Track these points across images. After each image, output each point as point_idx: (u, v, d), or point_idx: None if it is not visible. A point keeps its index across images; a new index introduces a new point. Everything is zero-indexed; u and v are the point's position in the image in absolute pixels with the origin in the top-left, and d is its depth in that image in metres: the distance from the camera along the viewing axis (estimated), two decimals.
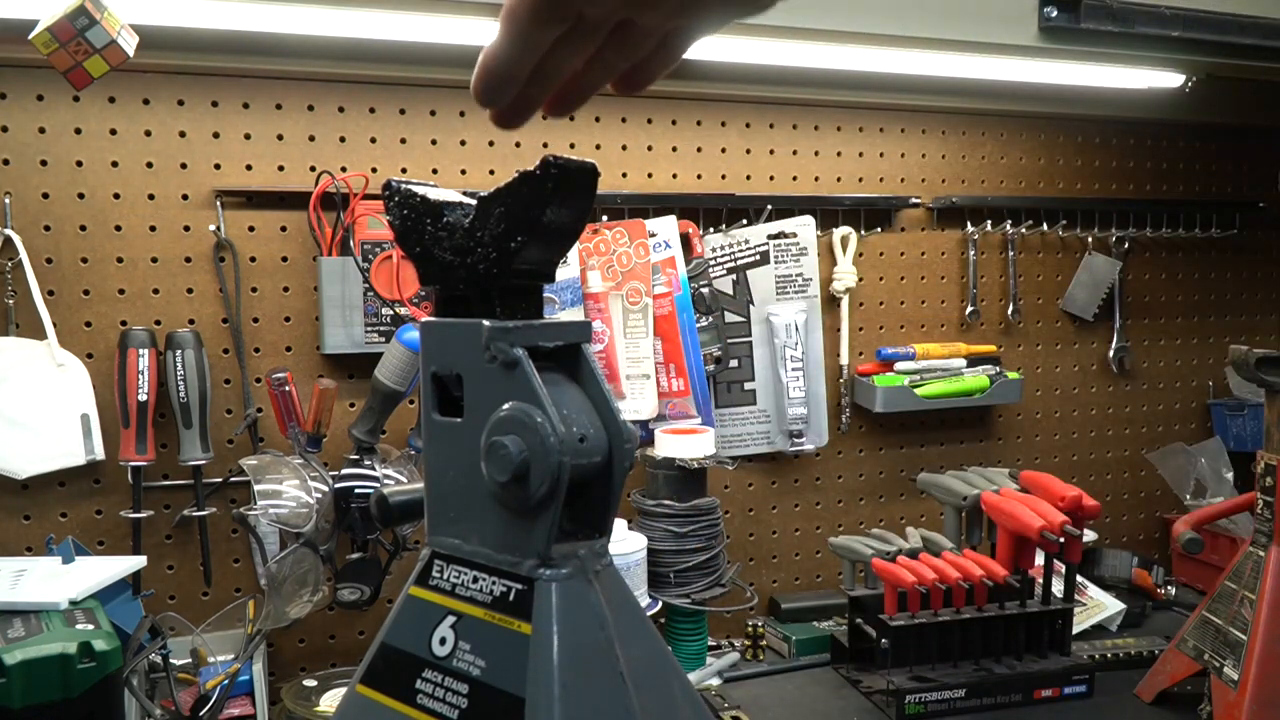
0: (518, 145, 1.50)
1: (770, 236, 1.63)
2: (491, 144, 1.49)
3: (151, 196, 1.34)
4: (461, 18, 1.21)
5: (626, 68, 0.49)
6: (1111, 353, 1.92)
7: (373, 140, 1.43)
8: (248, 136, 1.37)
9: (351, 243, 1.37)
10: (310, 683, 1.32)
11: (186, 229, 1.36)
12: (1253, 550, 1.24)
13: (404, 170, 1.44)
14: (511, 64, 0.44)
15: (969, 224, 1.78)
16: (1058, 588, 1.44)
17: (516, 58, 0.44)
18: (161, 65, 1.30)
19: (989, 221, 1.79)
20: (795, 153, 1.68)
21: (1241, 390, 1.94)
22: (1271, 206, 1.99)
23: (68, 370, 1.29)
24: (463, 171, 1.48)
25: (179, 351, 1.30)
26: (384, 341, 1.37)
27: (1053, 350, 1.89)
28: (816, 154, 1.69)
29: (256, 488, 1.26)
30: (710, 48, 1.35)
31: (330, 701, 1.27)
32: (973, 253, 1.78)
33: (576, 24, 0.44)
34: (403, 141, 1.44)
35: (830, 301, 1.70)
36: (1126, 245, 1.88)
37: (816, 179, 1.70)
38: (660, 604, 1.44)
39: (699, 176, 1.62)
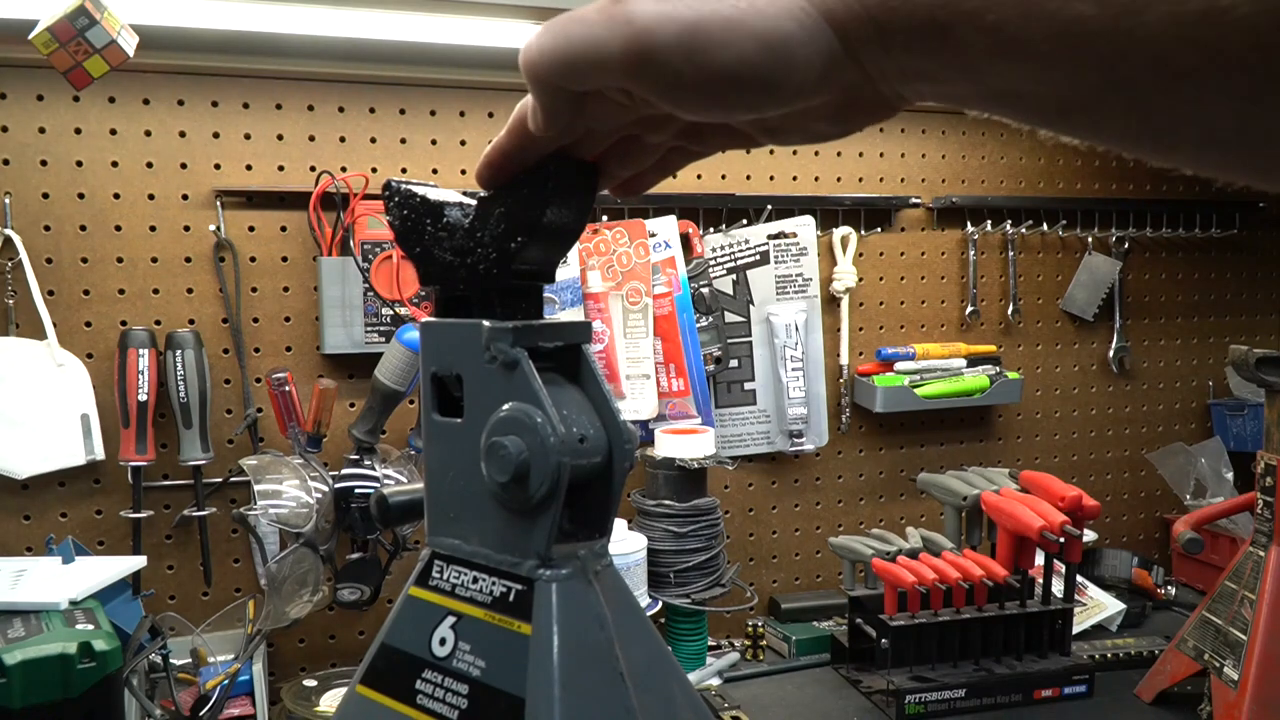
0: None
1: (770, 236, 1.63)
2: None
3: (151, 196, 1.34)
4: (461, 18, 1.21)
5: (625, 176, 0.50)
6: (1111, 353, 1.92)
7: (373, 140, 1.43)
8: (248, 136, 1.37)
9: (351, 243, 1.37)
10: (310, 683, 1.32)
11: (186, 229, 1.36)
12: (1253, 550, 1.24)
13: (404, 170, 1.44)
14: (513, 162, 0.46)
15: (969, 224, 1.78)
16: (1058, 588, 1.44)
17: (518, 157, 0.46)
18: (161, 65, 1.30)
19: (989, 221, 1.79)
20: (795, 153, 1.68)
21: (1241, 390, 1.94)
22: (1271, 206, 1.99)
23: (68, 370, 1.29)
24: (463, 171, 1.48)
25: (179, 351, 1.31)
26: (384, 341, 1.37)
27: (1053, 350, 1.89)
28: (816, 154, 1.69)
29: (256, 488, 1.26)
30: None
31: (330, 701, 1.27)
32: (973, 253, 1.78)
33: (583, 135, 0.45)
34: (403, 141, 1.45)
35: (830, 301, 1.70)
36: (1126, 245, 1.88)
37: (816, 179, 1.70)
38: (660, 604, 1.44)
39: (699, 176, 1.62)
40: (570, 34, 0.37)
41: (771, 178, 1.67)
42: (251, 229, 1.39)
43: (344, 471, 1.32)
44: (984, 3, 0.32)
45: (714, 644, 1.57)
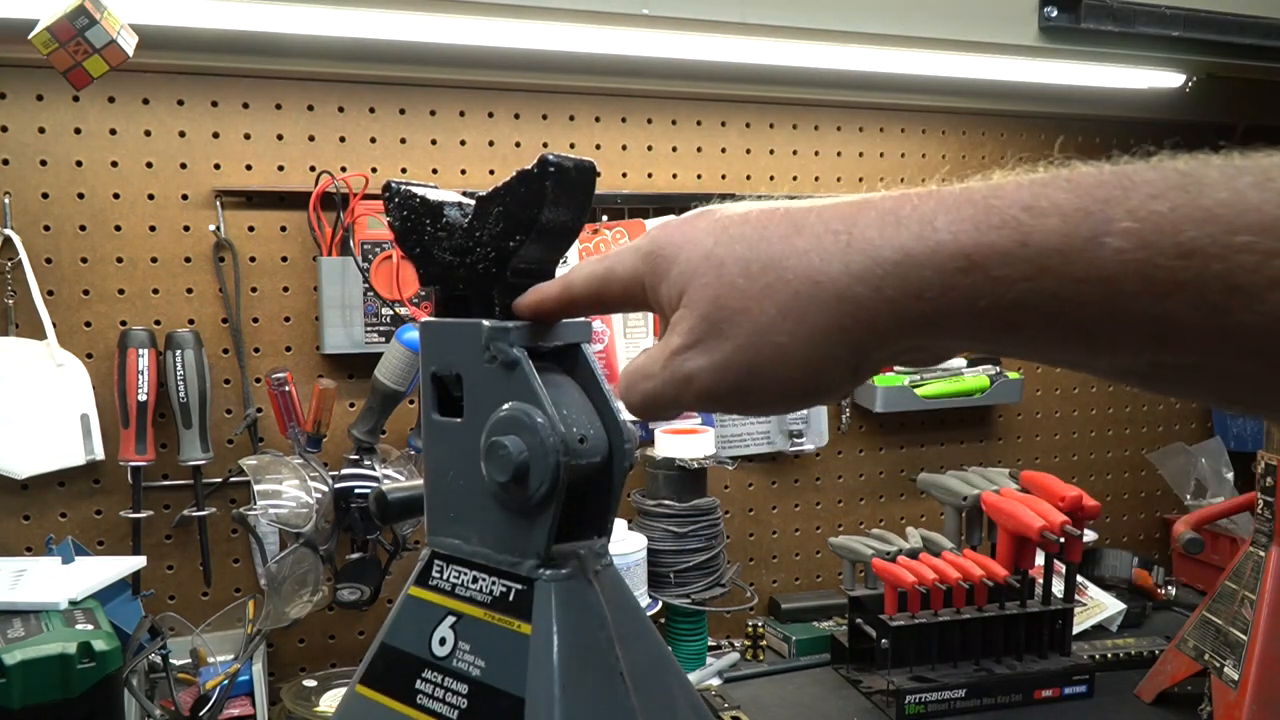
0: (518, 145, 1.50)
1: None
2: (491, 144, 1.49)
3: (151, 196, 1.34)
4: (461, 18, 1.21)
5: None
6: None
7: (373, 140, 1.43)
8: (248, 136, 1.37)
9: (351, 243, 1.37)
10: (310, 683, 1.32)
11: (186, 229, 1.36)
12: (1253, 550, 1.24)
13: (404, 170, 1.44)
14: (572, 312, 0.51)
15: None
16: (1058, 588, 1.44)
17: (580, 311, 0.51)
18: (161, 65, 1.30)
19: None
20: (795, 153, 1.68)
21: None
22: None
23: (67, 370, 1.29)
24: (463, 171, 1.48)
25: (179, 351, 1.30)
26: (384, 341, 1.37)
27: None
28: (816, 154, 1.69)
29: (256, 488, 1.26)
30: (711, 48, 1.35)
31: (330, 701, 1.27)
32: None
33: None
34: (403, 141, 1.44)
35: None
36: None
37: (816, 179, 1.70)
38: (660, 604, 1.44)
39: (699, 176, 1.62)
40: (645, 391, 0.43)
41: (772, 177, 1.66)
42: (251, 229, 1.39)
43: (344, 471, 1.32)
44: (1062, 304, 0.32)
45: (714, 644, 1.56)
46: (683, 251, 0.41)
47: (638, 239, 0.44)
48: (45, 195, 1.30)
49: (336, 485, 1.30)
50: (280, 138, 1.39)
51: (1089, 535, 1.62)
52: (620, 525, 1.45)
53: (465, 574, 0.51)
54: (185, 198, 1.35)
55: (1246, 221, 0.29)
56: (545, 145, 1.51)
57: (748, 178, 1.65)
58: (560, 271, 0.51)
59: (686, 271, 0.41)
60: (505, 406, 0.48)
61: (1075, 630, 1.46)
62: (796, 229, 0.38)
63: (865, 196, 0.38)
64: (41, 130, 1.29)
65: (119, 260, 1.33)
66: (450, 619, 0.50)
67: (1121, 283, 0.31)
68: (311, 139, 1.40)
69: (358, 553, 1.33)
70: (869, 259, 0.36)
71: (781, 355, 0.38)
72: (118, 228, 1.33)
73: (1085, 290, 0.31)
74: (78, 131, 1.30)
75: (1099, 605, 1.63)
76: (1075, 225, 0.31)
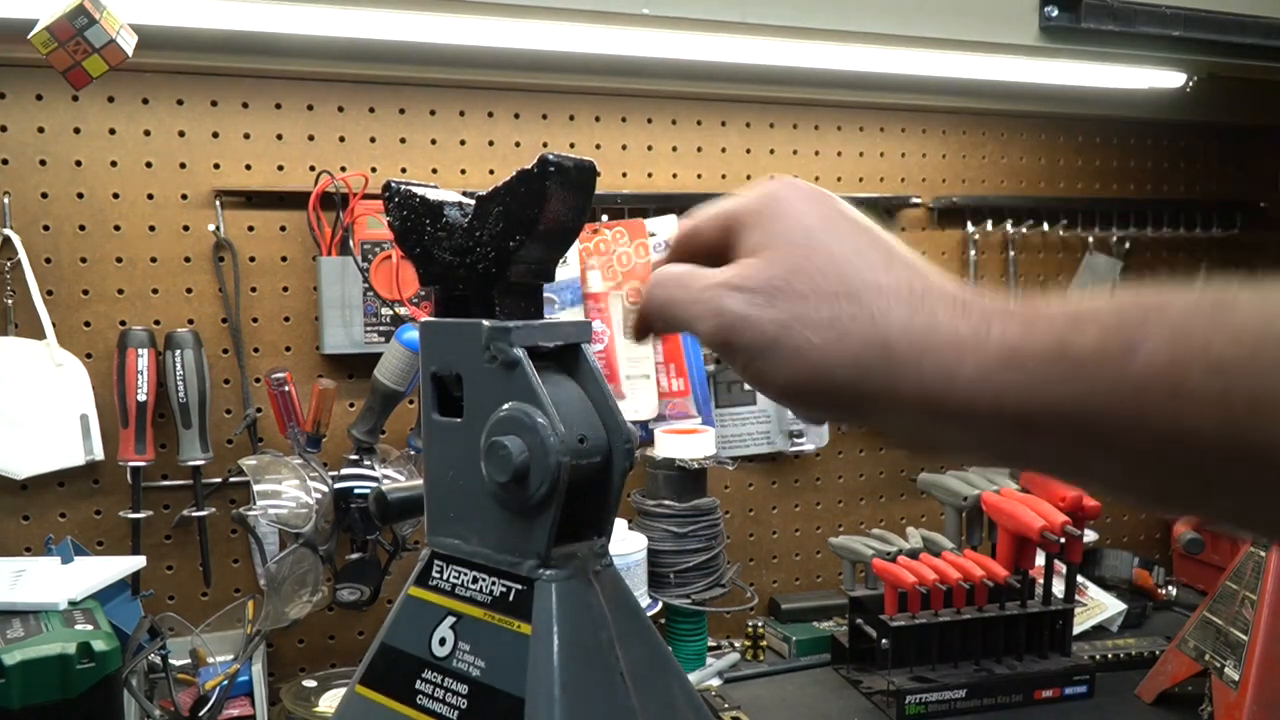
0: (517, 145, 1.50)
1: None
2: (491, 144, 1.49)
3: (151, 196, 1.34)
4: (461, 18, 1.21)
5: None
6: None
7: (372, 140, 1.43)
8: (247, 136, 1.37)
9: (351, 242, 1.37)
10: (310, 683, 1.32)
11: (186, 229, 1.36)
12: (1253, 551, 1.24)
13: (404, 170, 1.44)
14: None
15: (969, 224, 1.78)
16: (1058, 588, 1.44)
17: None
18: (161, 65, 1.29)
19: (989, 221, 1.79)
20: (795, 152, 1.67)
21: None
22: (1272, 206, 1.99)
23: (67, 370, 1.29)
24: (463, 171, 1.48)
25: (178, 351, 1.30)
26: (384, 341, 1.37)
27: None
28: (817, 154, 1.69)
29: (256, 488, 1.26)
30: (711, 48, 1.35)
31: (330, 702, 1.27)
32: (973, 252, 1.78)
33: None
34: (402, 141, 1.44)
35: None
36: (1127, 245, 1.88)
37: (817, 179, 1.69)
38: (660, 604, 1.44)
39: (699, 176, 1.62)
40: (671, 298, 0.44)
41: (771, 177, 1.66)
42: (251, 229, 1.39)
43: (343, 471, 1.32)
44: (1088, 410, 0.34)
45: (714, 644, 1.56)
46: (790, 219, 0.43)
47: (758, 188, 0.45)
48: (45, 195, 1.30)
49: (336, 485, 1.30)
50: (280, 138, 1.38)
51: (1089, 535, 1.62)
52: (620, 525, 1.44)
53: (465, 574, 0.51)
54: (185, 198, 1.35)
55: (1272, 343, 0.31)
56: (545, 145, 1.51)
57: (748, 177, 1.65)
58: (560, 272, 0.50)
59: (781, 235, 0.42)
60: (505, 406, 0.48)
61: (1075, 630, 1.46)
62: (887, 266, 0.40)
63: (948, 285, 0.40)
64: (41, 130, 1.29)
65: (118, 260, 1.33)
66: (450, 619, 0.50)
67: (1149, 393, 0.32)
68: (311, 139, 1.40)
69: (357, 553, 1.33)
70: (927, 329, 0.38)
71: (803, 351, 0.39)
72: (117, 228, 1.33)
73: (1113, 399, 0.33)
74: (77, 131, 1.30)
75: (1099, 605, 1.63)
76: (1113, 334, 0.34)
